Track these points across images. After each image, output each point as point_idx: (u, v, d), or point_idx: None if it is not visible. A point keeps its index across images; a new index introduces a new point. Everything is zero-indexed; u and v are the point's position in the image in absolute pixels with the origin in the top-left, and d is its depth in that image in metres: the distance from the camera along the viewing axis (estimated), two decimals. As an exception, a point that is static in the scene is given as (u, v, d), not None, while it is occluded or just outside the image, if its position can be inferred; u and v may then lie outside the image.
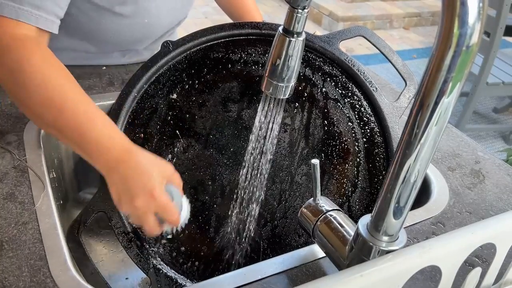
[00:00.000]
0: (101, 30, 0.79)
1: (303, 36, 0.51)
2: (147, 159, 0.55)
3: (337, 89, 0.69)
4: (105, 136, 0.55)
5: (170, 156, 0.67)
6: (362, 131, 0.69)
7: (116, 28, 0.79)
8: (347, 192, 0.68)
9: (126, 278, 0.75)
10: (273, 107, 0.61)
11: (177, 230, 0.58)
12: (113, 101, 0.68)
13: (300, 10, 0.48)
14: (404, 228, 0.43)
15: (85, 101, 0.56)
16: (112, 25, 0.79)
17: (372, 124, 0.69)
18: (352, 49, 3.43)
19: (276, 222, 0.68)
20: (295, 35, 0.50)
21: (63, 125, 0.55)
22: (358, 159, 0.68)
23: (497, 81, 2.37)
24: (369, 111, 0.69)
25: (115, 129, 0.57)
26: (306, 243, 0.67)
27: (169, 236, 0.60)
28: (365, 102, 0.70)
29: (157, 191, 0.52)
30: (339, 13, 3.83)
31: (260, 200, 0.66)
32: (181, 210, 0.56)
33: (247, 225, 0.67)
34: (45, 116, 0.55)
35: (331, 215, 0.50)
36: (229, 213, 0.67)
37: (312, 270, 0.53)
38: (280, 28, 0.51)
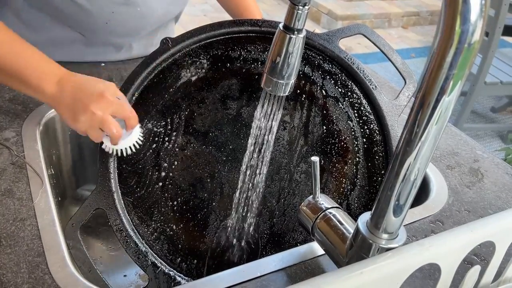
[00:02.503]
0: (95, 19, 0.79)
1: (304, 33, 0.51)
2: (87, 76, 0.62)
3: (337, 87, 0.69)
4: (42, 65, 0.61)
5: (168, 153, 0.67)
6: (361, 129, 0.69)
7: (108, 16, 0.79)
8: (346, 190, 0.68)
9: (124, 275, 0.75)
10: (273, 104, 0.61)
11: (135, 146, 0.62)
12: (112, 98, 0.68)
13: (300, 7, 0.48)
14: (403, 226, 0.43)
15: (18, 42, 0.62)
16: (104, 13, 0.78)
17: (371, 122, 0.69)
18: (351, 48, 3.43)
19: (275, 219, 0.68)
20: (296, 32, 0.50)
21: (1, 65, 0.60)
22: (357, 157, 0.68)
23: (495, 81, 2.37)
24: (369, 109, 0.69)
25: (50, 60, 0.62)
26: (305, 241, 0.67)
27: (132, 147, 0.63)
28: (364, 100, 0.69)
29: (106, 92, 0.58)
30: (338, 12, 3.83)
31: (259, 198, 0.66)
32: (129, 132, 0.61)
33: (246, 222, 0.67)
34: None
35: (330, 213, 0.50)
36: (228, 210, 0.67)
37: (311, 268, 0.53)
38: (281, 25, 0.51)
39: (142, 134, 0.63)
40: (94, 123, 0.57)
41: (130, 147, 0.61)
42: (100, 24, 0.80)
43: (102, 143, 0.62)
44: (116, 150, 0.60)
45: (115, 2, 0.78)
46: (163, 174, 0.66)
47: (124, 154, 0.61)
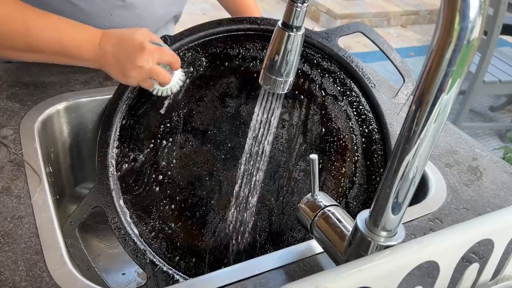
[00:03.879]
0: (93, 21, 0.78)
1: (303, 30, 0.51)
2: (122, 30, 0.63)
3: (336, 85, 0.69)
4: (79, 33, 0.63)
5: (167, 151, 0.67)
6: (360, 127, 0.69)
7: (107, 19, 0.79)
8: (344, 188, 0.68)
9: (123, 273, 0.75)
10: (271, 102, 0.60)
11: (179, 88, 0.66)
12: (110, 96, 0.68)
13: (299, 4, 0.48)
14: (402, 224, 0.42)
15: (46, 16, 0.64)
16: (102, 16, 0.78)
17: (370, 120, 0.69)
18: (349, 46, 3.43)
19: (273, 218, 0.68)
20: (295, 30, 0.50)
21: (38, 43, 0.63)
22: (356, 156, 0.68)
23: (494, 80, 2.38)
24: (367, 108, 0.69)
25: (82, 25, 0.64)
26: (304, 239, 0.67)
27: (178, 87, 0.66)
28: (363, 98, 0.69)
29: (145, 43, 0.60)
30: (337, 11, 3.83)
31: (257, 196, 0.66)
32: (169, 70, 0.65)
33: (245, 220, 0.66)
34: (18, 44, 0.62)
35: (329, 211, 0.50)
36: (227, 209, 0.67)
37: (309, 266, 0.53)
38: (279, 23, 0.51)
39: (183, 72, 0.66)
40: (145, 75, 0.61)
41: (175, 86, 0.65)
42: (98, 26, 0.80)
43: (100, 140, 0.62)
44: (166, 90, 0.65)
45: (113, 4, 0.77)
46: (161, 172, 0.66)
47: (170, 93, 0.66)
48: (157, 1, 0.83)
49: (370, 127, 0.69)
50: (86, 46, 0.62)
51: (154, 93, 0.65)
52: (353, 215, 0.47)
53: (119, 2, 0.77)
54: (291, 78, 0.55)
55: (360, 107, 0.69)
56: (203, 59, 0.68)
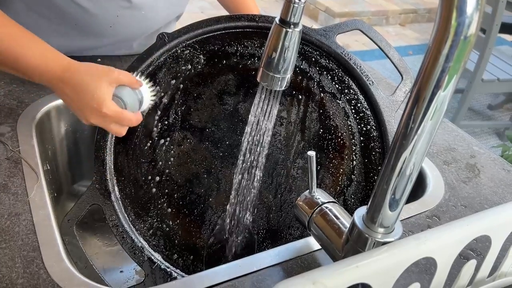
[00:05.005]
0: (99, 22, 0.78)
1: (300, 27, 0.51)
2: (88, 73, 0.56)
3: (334, 83, 0.69)
4: (42, 58, 0.57)
5: (165, 148, 0.66)
6: (358, 125, 0.69)
7: (113, 20, 0.79)
8: (342, 186, 0.68)
9: (121, 271, 0.75)
10: (269, 99, 0.60)
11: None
12: (108, 93, 0.68)
13: (297, 1, 0.48)
14: (400, 221, 0.42)
15: (19, 29, 0.58)
16: (109, 17, 0.78)
17: (368, 118, 0.69)
18: (348, 45, 3.43)
19: (271, 215, 0.68)
20: (292, 26, 0.50)
21: None
22: (354, 153, 0.68)
23: (492, 78, 2.38)
24: (365, 105, 0.69)
25: (52, 50, 0.58)
26: (302, 237, 0.67)
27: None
28: (361, 96, 0.69)
29: (105, 105, 0.54)
30: (336, 9, 3.83)
31: (255, 194, 0.66)
32: (141, 99, 0.59)
33: (243, 218, 0.66)
34: None
35: (326, 207, 0.50)
36: (225, 206, 0.67)
37: (307, 262, 0.53)
38: (277, 19, 0.51)
39: (152, 93, 0.61)
40: (102, 125, 0.57)
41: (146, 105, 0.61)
42: (104, 28, 0.80)
43: (98, 138, 0.62)
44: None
45: (120, 6, 0.77)
46: (159, 170, 0.66)
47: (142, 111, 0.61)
48: (162, 2, 0.83)
49: (368, 125, 0.69)
50: (45, 74, 0.57)
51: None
52: (351, 213, 0.47)
53: (125, 3, 0.77)
54: (288, 75, 0.55)
55: (358, 104, 0.69)
56: (201, 56, 0.68)
